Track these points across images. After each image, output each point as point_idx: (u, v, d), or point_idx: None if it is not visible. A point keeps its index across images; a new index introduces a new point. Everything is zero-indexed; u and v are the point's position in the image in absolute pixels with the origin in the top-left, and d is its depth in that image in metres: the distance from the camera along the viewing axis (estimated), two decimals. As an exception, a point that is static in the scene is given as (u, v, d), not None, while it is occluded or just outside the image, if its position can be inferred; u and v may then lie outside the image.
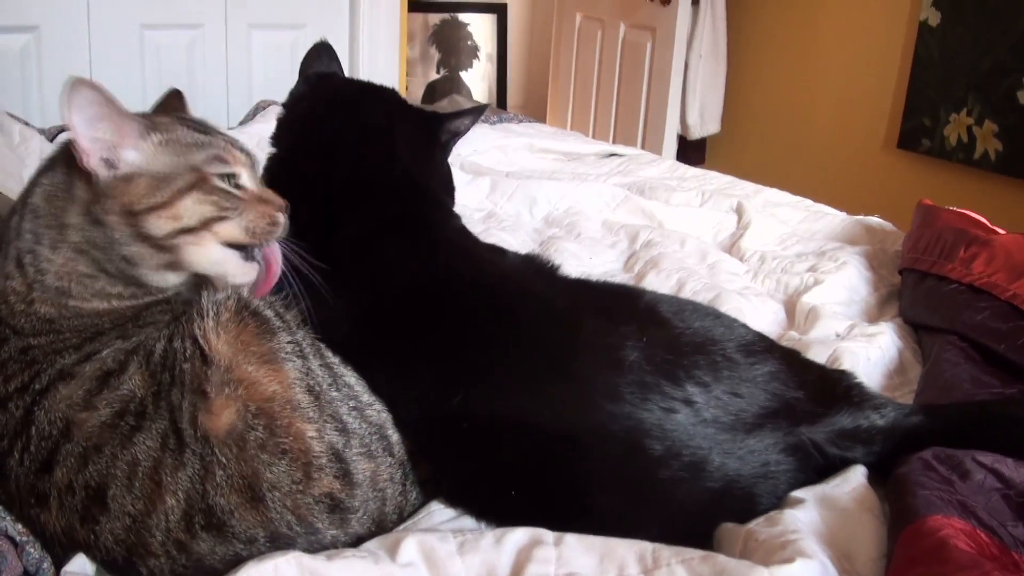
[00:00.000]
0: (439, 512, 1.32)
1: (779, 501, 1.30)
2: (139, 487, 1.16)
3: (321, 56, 1.79)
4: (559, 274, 1.63)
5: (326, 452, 1.21)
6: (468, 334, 1.40)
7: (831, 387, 1.46)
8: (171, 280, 1.36)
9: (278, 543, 1.17)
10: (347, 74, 1.82)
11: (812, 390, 1.43)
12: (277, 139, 1.66)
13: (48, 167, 1.36)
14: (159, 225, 1.31)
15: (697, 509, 1.28)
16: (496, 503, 1.32)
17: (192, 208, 1.33)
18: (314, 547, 1.19)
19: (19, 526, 1.15)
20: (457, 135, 1.71)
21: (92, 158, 1.29)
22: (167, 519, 1.15)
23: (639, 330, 1.41)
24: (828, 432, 1.35)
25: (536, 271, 1.63)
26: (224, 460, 1.16)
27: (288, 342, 1.26)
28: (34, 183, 1.35)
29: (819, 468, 1.34)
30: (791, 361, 1.51)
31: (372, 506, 1.24)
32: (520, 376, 1.34)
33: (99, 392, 1.21)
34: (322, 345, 1.33)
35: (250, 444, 1.17)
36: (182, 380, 1.20)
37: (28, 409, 1.21)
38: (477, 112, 1.72)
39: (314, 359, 1.29)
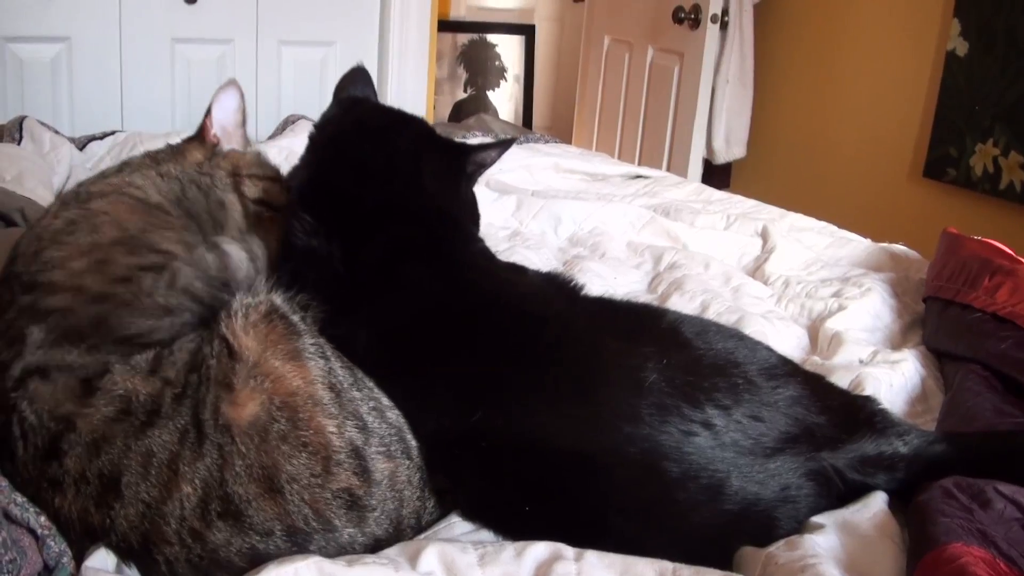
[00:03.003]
0: (460, 523, 1.32)
1: (799, 526, 1.29)
2: (155, 475, 1.19)
3: (356, 80, 1.81)
4: (581, 293, 1.64)
5: (345, 448, 1.23)
6: (487, 352, 1.41)
7: (854, 413, 1.45)
8: (234, 253, 1.59)
9: (295, 538, 1.18)
10: (376, 92, 1.84)
11: (835, 415, 1.42)
12: (308, 159, 1.69)
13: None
14: (252, 189, 1.73)
15: (715, 532, 1.27)
16: (512, 520, 1.32)
17: (273, 189, 1.74)
18: (331, 545, 1.20)
19: (43, 518, 1.16)
20: (483, 167, 1.73)
21: (212, 133, 1.79)
22: (182, 507, 1.17)
23: (660, 351, 1.40)
24: (850, 458, 1.35)
25: (557, 290, 1.63)
26: (244, 450, 1.19)
27: (312, 343, 1.30)
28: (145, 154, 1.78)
29: (840, 494, 1.34)
30: (814, 386, 1.49)
31: (390, 506, 1.25)
32: (538, 395, 1.34)
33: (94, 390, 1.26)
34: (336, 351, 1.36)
35: (272, 435, 1.20)
36: (207, 376, 1.24)
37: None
38: (504, 146, 1.74)
39: (336, 360, 1.32)
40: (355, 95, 1.79)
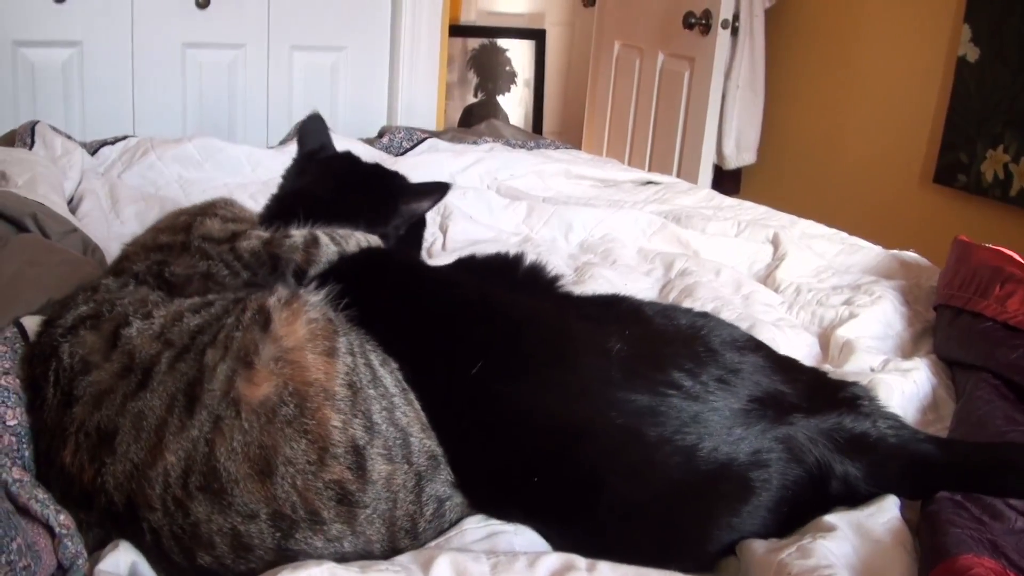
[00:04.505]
0: (471, 531, 1.32)
1: (775, 490, 1.30)
2: (144, 438, 1.23)
3: (313, 128, 2.03)
4: (550, 287, 1.74)
5: (344, 443, 1.24)
6: (456, 340, 1.46)
7: (831, 391, 1.48)
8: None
9: (280, 525, 1.20)
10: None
11: (801, 387, 1.45)
12: (270, 208, 1.86)
13: None
14: None
15: (693, 492, 1.29)
16: (501, 492, 1.36)
17: None
18: (317, 538, 1.21)
19: (62, 516, 1.18)
20: (417, 212, 1.89)
21: None
22: (167, 473, 1.20)
23: (622, 327, 1.46)
24: (824, 428, 1.36)
25: (511, 283, 1.72)
26: (247, 427, 1.22)
27: (346, 342, 1.34)
28: None
29: (814, 464, 1.33)
30: (781, 361, 1.54)
31: (383, 507, 1.26)
32: (514, 371, 1.38)
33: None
34: (368, 346, 1.39)
35: (279, 417, 1.23)
36: (226, 345, 1.29)
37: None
38: (440, 194, 1.90)
39: (360, 358, 1.34)
40: (312, 149, 1.99)
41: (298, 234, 1.63)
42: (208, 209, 1.68)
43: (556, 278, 1.76)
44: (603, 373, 1.35)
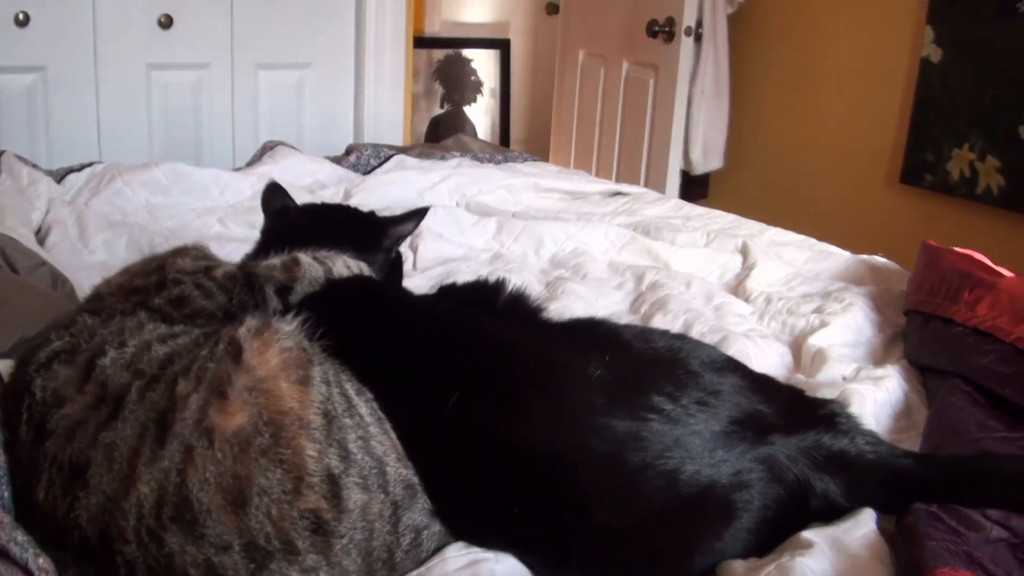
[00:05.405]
0: (453, 559, 1.31)
1: (756, 511, 1.31)
2: (117, 469, 1.22)
3: (275, 194, 2.02)
4: (531, 314, 1.72)
5: (320, 472, 1.23)
6: (438, 369, 1.45)
7: (809, 409, 1.48)
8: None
9: (254, 556, 1.19)
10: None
11: (779, 407, 1.45)
12: (255, 250, 1.87)
13: None
14: None
15: (677, 517, 1.29)
16: (481, 521, 1.35)
17: None
18: (293, 568, 1.20)
19: (41, 560, 1.16)
20: (401, 238, 1.92)
21: None
22: (140, 505, 1.19)
23: (601, 352, 1.45)
24: (804, 447, 1.36)
25: (505, 310, 1.72)
26: (221, 456, 1.21)
27: (320, 371, 1.33)
28: None
29: (794, 482, 1.34)
30: (758, 381, 1.54)
31: (359, 536, 1.25)
32: (494, 399, 1.37)
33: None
34: (344, 375, 1.38)
35: (254, 447, 1.22)
36: (199, 376, 1.28)
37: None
38: (419, 217, 1.94)
39: (335, 387, 1.33)
40: (281, 206, 2.00)
41: (277, 258, 1.63)
42: (180, 252, 1.67)
43: (537, 305, 1.76)
44: (584, 400, 1.35)
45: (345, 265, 1.67)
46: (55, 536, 1.23)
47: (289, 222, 1.94)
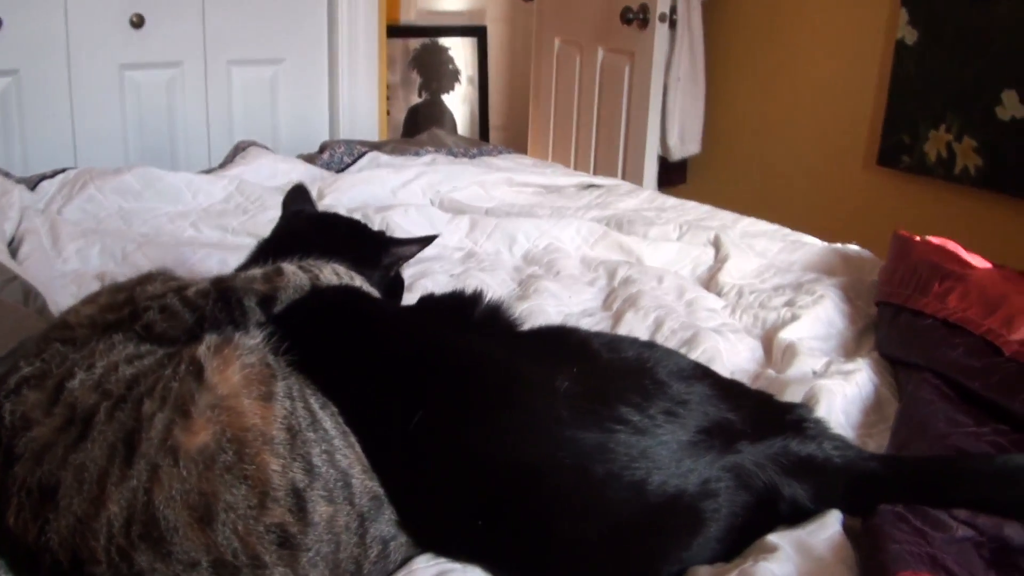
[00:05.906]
0: (420, 571, 1.32)
1: (724, 519, 1.32)
2: (86, 490, 1.22)
3: (298, 196, 2.10)
4: (506, 326, 1.73)
5: (284, 486, 1.23)
6: (405, 383, 1.45)
7: (777, 414, 1.50)
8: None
9: (222, 572, 1.19)
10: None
11: (747, 413, 1.46)
12: (252, 255, 1.89)
13: None
14: None
15: (645, 528, 1.30)
16: (449, 533, 1.36)
17: None
18: None
19: None
20: (402, 259, 1.95)
21: None
22: (110, 525, 1.20)
23: (569, 364, 1.46)
24: (771, 454, 1.37)
25: (479, 322, 1.71)
26: (186, 474, 1.21)
27: (284, 386, 1.33)
28: None
29: (762, 489, 1.35)
30: (726, 388, 1.55)
31: (325, 549, 1.25)
32: (462, 413, 1.38)
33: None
34: (308, 390, 1.37)
35: (218, 464, 1.22)
36: (163, 396, 1.28)
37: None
38: (423, 243, 1.97)
39: (299, 401, 1.33)
40: (297, 208, 2.06)
41: (259, 269, 1.61)
42: (145, 279, 1.65)
43: (512, 317, 1.76)
44: (551, 412, 1.35)
45: (334, 272, 1.66)
46: (26, 561, 1.24)
47: (292, 228, 1.97)
